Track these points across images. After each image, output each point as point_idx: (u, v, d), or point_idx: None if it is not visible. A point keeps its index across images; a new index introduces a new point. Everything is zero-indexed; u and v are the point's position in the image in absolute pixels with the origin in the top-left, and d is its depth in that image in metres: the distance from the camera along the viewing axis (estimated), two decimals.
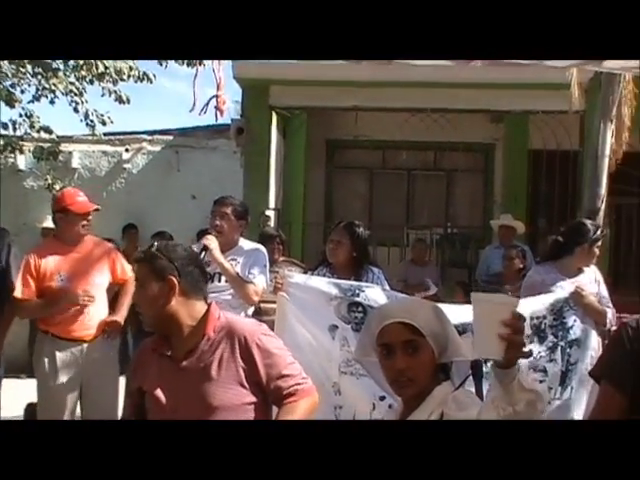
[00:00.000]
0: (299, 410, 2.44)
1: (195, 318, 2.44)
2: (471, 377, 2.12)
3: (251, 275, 4.38)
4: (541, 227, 9.76)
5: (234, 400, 2.36)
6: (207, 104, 8.96)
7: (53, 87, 7.94)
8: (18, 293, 4.31)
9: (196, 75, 8.43)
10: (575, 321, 4.05)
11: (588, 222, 4.87)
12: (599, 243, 4.60)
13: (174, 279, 2.40)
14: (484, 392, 2.12)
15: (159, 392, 2.40)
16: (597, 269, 4.72)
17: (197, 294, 2.47)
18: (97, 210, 4.56)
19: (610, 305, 4.51)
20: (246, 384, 2.38)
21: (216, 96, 8.79)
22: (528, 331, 3.86)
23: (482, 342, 1.73)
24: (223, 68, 8.47)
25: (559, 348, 3.93)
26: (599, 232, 4.61)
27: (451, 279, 9.59)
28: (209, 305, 2.50)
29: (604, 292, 4.59)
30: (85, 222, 4.47)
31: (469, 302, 6.05)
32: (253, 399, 2.39)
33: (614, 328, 4.07)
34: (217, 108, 8.74)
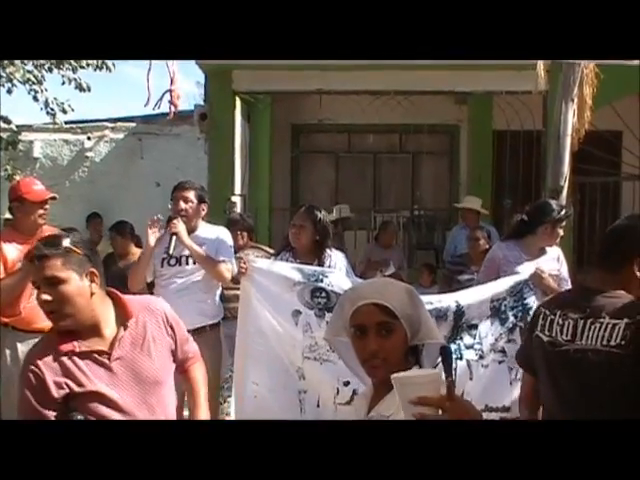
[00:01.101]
0: (202, 370, 2.83)
1: (109, 306, 2.45)
2: (440, 364, 2.11)
3: (220, 256, 4.39)
4: (506, 208, 9.83)
5: (169, 373, 2.56)
6: (161, 99, 8.90)
7: (10, 76, 7.78)
8: None
9: (149, 70, 8.35)
10: (534, 302, 4.04)
11: (553, 202, 4.90)
12: (563, 223, 4.62)
13: (95, 271, 2.39)
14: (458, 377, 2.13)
15: (104, 389, 2.34)
16: (560, 250, 4.75)
17: (103, 283, 2.46)
18: (54, 198, 4.50)
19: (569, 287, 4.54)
20: (171, 355, 2.58)
21: (170, 90, 8.73)
22: (487, 312, 3.90)
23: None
24: (177, 62, 8.43)
25: (518, 328, 3.95)
26: (563, 212, 4.63)
27: (418, 261, 9.65)
28: (109, 292, 2.49)
29: (565, 274, 4.61)
30: (42, 211, 4.40)
31: (435, 283, 6.12)
32: (173, 366, 2.62)
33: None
34: (171, 102, 8.68)
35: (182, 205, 4.42)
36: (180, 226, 4.30)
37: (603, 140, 8.61)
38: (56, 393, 2.29)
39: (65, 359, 2.32)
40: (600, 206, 9.20)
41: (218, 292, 4.58)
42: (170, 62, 8.46)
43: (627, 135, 9.67)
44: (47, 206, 4.44)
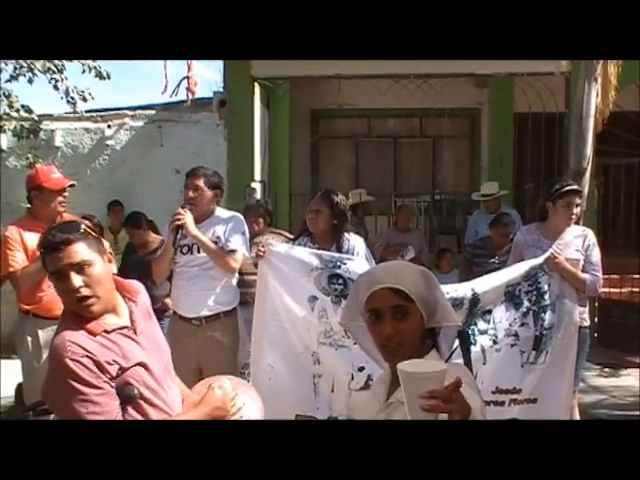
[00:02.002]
0: None
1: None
2: (459, 347, 2.09)
3: (229, 243, 4.36)
4: (529, 191, 9.74)
5: None
6: (178, 86, 8.89)
7: (31, 65, 7.81)
8: (17, 263, 4.22)
9: None
10: (549, 286, 3.99)
11: (560, 180, 4.81)
12: (572, 200, 4.47)
13: (110, 251, 2.43)
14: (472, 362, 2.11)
15: (145, 359, 2.36)
16: (592, 233, 4.60)
17: None
18: (72, 186, 4.48)
19: (597, 273, 4.41)
20: None
21: (187, 77, 8.71)
22: (502, 298, 3.86)
23: (413, 413, 1.65)
24: None
25: (531, 312, 3.91)
26: (562, 188, 4.51)
27: (439, 246, 9.59)
28: None
29: (594, 258, 4.47)
30: (61, 198, 4.39)
31: (455, 268, 6.03)
32: None
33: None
34: (188, 89, 8.66)
35: (191, 194, 4.36)
36: (187, 216, 4.24)
37: (628, 120, 8.49)
38: (113, 371, 2.26)
39: (100, 339, 2.28)
40: (625, 187, 9.10)
41: (234, 279, 4.55)
42: None
43: None
44: (66, 194, 4.43)
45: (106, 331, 2.31)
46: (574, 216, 4.53)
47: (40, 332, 4.32)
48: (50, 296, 4.32)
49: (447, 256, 7.75)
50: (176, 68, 9.44)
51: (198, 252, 4.36)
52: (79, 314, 2.31)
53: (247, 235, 4.54)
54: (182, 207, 4.29)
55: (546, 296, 3.97)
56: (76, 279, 2.25)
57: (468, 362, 2.11)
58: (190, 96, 8.24)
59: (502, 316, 3.84)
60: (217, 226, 4.41)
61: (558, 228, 4.54)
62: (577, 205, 4.52)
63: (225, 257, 4.31)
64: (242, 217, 4.63)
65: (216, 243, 4.34)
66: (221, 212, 4.54)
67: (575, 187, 4.60)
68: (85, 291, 2.27)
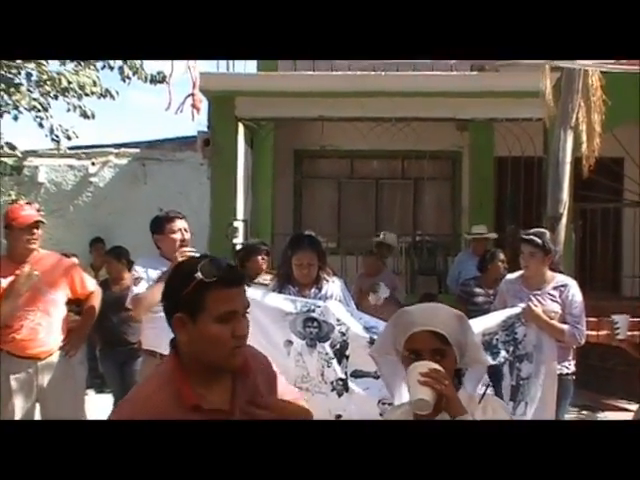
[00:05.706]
0: None
1: None
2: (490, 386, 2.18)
3: None
4: (510, 232, 9.81)
5: None
6: (183, 103, 8.92)
7: (16, 103, 7.88)
8: None
9: (171, 73, 8.41)
10: (525, 336, 4.00)
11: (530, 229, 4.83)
12: (522, 249, 4.53)
13: None
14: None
15: None
16: (573, 284, 4.54)
17: None
18: (38, 222, 4.43)
19: (577, 324, 4.35)
20: None
21: (192, 94, 8.77)
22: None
23: (413, 391, 1.99)
24: (197, 69, 8.48)
25: (507, 363, 3.92)
26: (521, 236, 4.59)
27: (420, 287, 9.64)
28: None
29: (575, 310, 4.40)
30: (29, 236, 4.35)
31: None
32: None
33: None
34: (193, 106, 8.71)
35: (187, 236, 4.39)
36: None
37: (605, 167, 8.64)
38: None
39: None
40: (601, 232, 9.23)
41: None
42: (192, 67, 8.50)
43: (628, 162, 9.72)
44: (35, 231, 4.38)
45: None
46: (526, 264, 4.54)
47: (11, 374, 4.30)
48: (23, 335, 4.31)
49: (435, 301, 7.71)
50: (179, 87, 9.53)
51: None
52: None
53: None
54: (181, 250, 4.25)
55: (520, 345, 3.98)
56: (243, 323, 1.93)
57: (499, 395, 2.20)
58: (195, 113, 8.24)
59: None
60: None
61: (526, 276, 4.60)
62: (532, 254, 4.50)
63: None
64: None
65: None
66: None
67: (525, 236, 4.58)
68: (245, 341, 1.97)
